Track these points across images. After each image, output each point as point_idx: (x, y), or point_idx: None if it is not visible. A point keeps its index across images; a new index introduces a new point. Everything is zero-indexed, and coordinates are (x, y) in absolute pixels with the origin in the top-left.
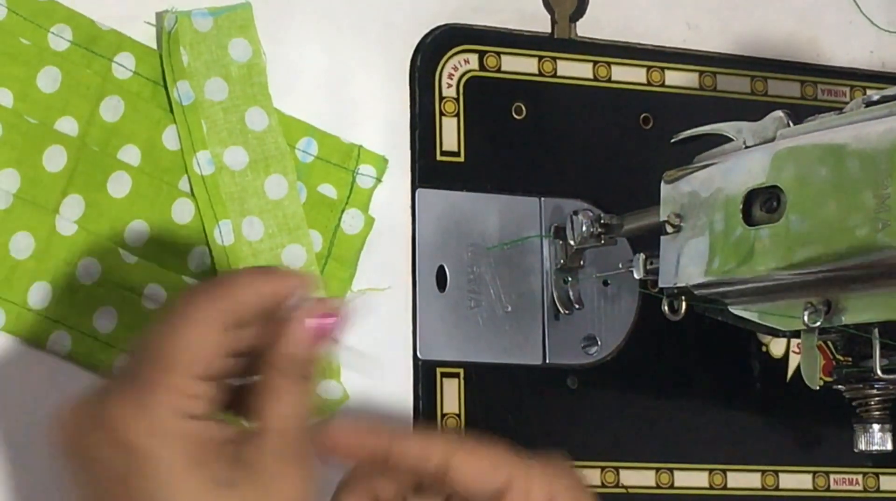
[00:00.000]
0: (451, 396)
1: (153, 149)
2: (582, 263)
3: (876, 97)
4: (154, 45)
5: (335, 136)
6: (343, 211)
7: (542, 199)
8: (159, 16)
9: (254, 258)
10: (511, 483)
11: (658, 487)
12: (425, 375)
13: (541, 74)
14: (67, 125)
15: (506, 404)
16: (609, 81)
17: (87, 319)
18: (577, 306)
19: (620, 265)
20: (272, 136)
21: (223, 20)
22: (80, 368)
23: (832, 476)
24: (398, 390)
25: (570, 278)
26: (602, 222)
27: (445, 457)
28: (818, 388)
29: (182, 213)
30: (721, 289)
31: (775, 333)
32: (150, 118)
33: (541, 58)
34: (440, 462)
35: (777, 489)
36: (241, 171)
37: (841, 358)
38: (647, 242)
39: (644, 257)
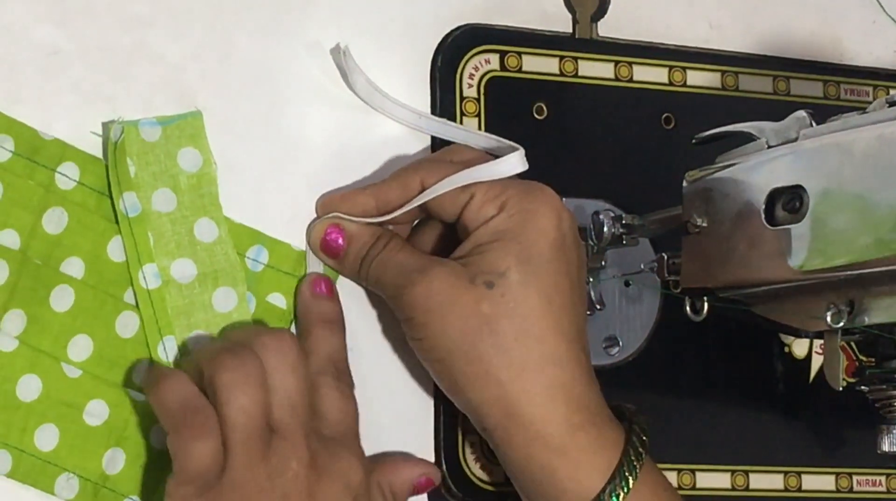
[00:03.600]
0: None
1: (97, 261)
2: (603, 263)
3: None
4: (100, 155)
5: (286, 243)
6: (292, 321)
7: (564, 199)
8: (105, 126)
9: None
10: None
11: (680, 488)
12: None
13: (562, 74)
14: (9, 238)
15: None
16: (631, 80)
17: (27, 437)
18: (598, 307)
19: (642, 266)
20: (222, 247)
21: (172, 129)
22: (20, 485)
23: (855, 478)
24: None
25: (591, 279)
26: (624, 222)
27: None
28: (841, 389)
29: (126, 327)
30: (743, 290)
31: (798, 333)
32: (95, 230)
33: (562, 58)
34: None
35: (800, 490)
36: (189, 284)
37: (864, 359)
38: (669, 242)
39: (666, 257)
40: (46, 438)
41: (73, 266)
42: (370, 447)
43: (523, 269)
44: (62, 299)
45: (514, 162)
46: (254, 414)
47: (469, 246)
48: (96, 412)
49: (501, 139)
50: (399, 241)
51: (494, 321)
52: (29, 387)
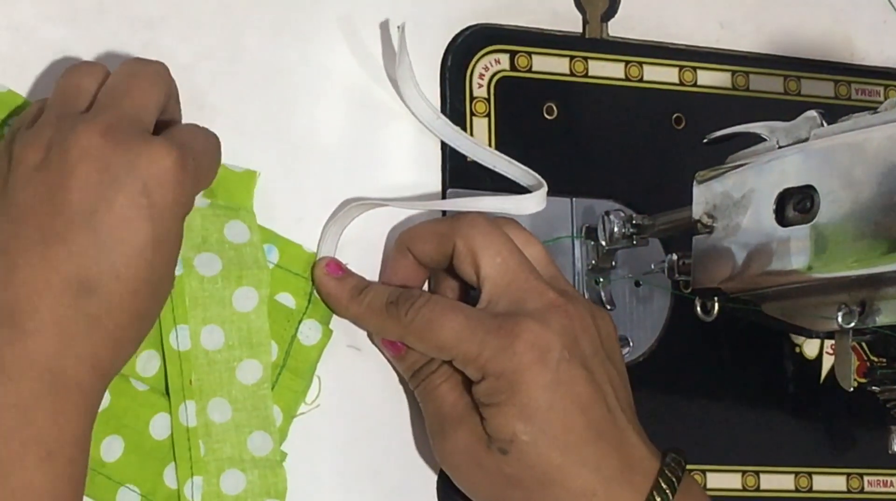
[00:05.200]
0: None
1: None
2: (614, 263)
3: None
4: None
5: (298, 244)
6: (301, 321)
7: (574, 199)
8: None
9: (208, 368)
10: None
11: None
12: None
13: (572, 74)
14: None
15: None
16: (641, 80)
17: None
18: (608, 307)
19: (652, 266)
20: (252, 249)
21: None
22: None
23: (866, 478)
24: None
25: (601, 279)
26: (634, 222)
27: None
28: (852, 389)
29: None
30: (754, 290)
31: (808, 334)
32: None
33: (572, 58)
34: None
35: (811, 490)
36: (212, 277)
37: (875, 359)
38: (680, 242)
39: (676, 257)
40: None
41: None
42: (373, 446)
43: (528, 430)
44: None
45: (539, 201)
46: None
47: (477, 402)
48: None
49: (514, 162)
50: (447, 369)
51: (517, 479)
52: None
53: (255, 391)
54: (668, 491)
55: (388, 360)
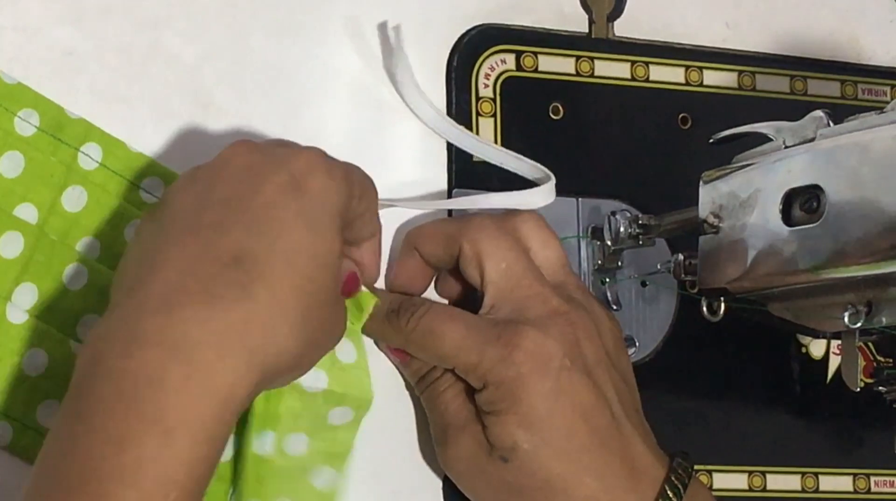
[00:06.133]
0: None
1: (114, 243)
2: (620, 263)
3: None
4: (124, 140)
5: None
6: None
7: (580, 199)
8: None
9: (285, 471)
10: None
11: None
12: None
13: (578, 74)
14: (27, 212)
15: None
16: (647, 80)
17: (30, 411)
18: (614, 308)
19: (658, 266)
20: (357, 372)
21: None
22: (20, 461)
23: (873, 479)
24: None
25: (607, 279)
26: (640, 222)
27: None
28: (858, 390)
29: None
30: (760, 290)
31: (815, 334)
32: (114, 212)
33: (578, 58)
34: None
35: (817, 491)
36: (312, 394)
37: (881, 360)
38: (686, 242)
39: (682, 257)
40: (50, 413)
41: (89, 246)
42: (378, 449)
43: (529, 438)
44: (76, 278)
45: (547, 194)
46: None
47: (479, 410)
48: None
49: (521, 157)
50: (450, 376)
51: (518, 488)
52: (35, 362)
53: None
54: (673, 499)
55: (396, 366)
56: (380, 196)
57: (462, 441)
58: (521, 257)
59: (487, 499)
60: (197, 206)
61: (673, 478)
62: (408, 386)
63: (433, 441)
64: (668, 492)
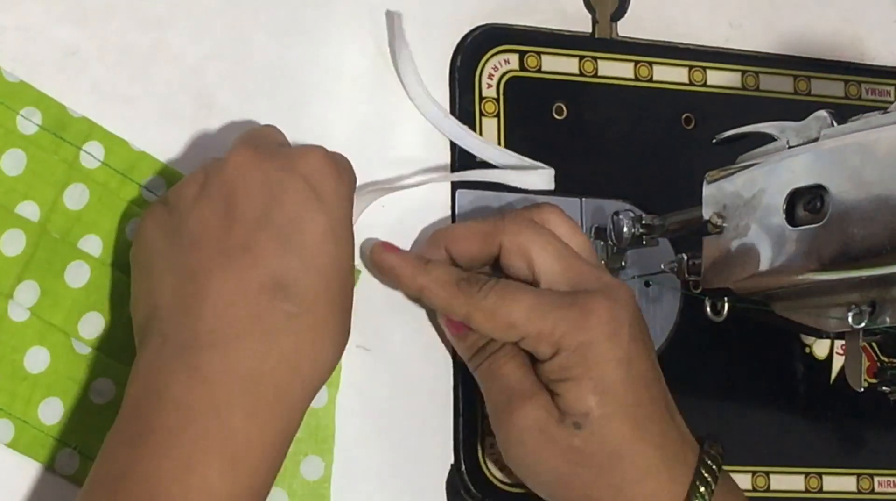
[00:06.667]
0: None
1: (115, 241)
2: (623, 263)
3: None
4: (125, 137)
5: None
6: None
7: (583, 199)
8: None
9: None
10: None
11: None
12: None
13: (582, 74)
14: (29, 210)
15: None
16: (651, 80)
17: (31, 409)
18: None
19: (662, 266)
20: (322, 487)
21: None
22: (21, 460)
23: (877, 479)
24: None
25: None
26: (643, 222)
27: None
28: (862, 390)
29: None
30: (764, 290)
31: (819, 334)
32: (115, 210)
33: (582, 58)
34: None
35: (821, 491)
36: None
37: (885, 360)
38: (689, 242)
39: (686, 257)
40: (51, 412)
41: (91, 244)
42: (387, 445)
43: (603, 402)
44: (77, 275)
45: (544, 178)
46: None
47: (545, 380)
48: (103, 391)
49: (523, 158)
50: (510, 349)
51: (588, 455)
52: (37, 359)
53: (316, 489)
54: (714, 469)
55: (444, 341)
56: (382, 191)
57: (529, 410)
58: (562, 243)
59: (548, 471)
60: (220, 224)
61: (711, 450)
62: (411, 381)
63: (490, 415)
64: (709, 461)
